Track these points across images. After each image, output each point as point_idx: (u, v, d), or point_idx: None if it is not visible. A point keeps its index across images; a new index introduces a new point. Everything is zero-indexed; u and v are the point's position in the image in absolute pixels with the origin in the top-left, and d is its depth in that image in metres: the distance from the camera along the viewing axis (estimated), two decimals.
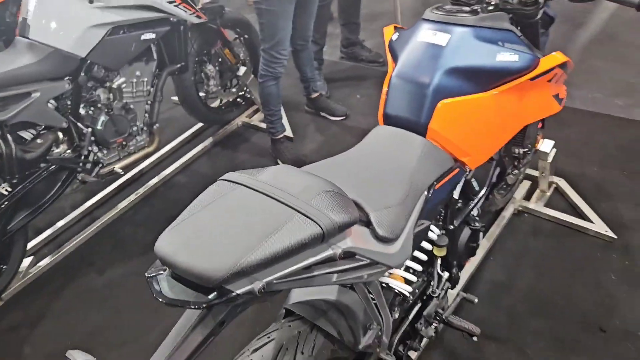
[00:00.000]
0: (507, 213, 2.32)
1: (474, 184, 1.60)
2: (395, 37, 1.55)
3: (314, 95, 3.15)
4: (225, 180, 1.06)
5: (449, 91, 1.35)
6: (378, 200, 1.15)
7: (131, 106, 2.45)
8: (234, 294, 0.86)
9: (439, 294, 1.53)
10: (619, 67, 3.33)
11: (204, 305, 0.86)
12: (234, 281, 0.86)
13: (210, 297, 0.86)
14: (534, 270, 2.11)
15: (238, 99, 3.19)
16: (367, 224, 1.10)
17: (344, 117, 3.16)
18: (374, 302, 1.26)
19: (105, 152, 2.42)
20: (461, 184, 1.52)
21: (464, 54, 1.36)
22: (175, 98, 3.22)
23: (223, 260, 0.85)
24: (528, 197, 2.43)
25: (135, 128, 2.50)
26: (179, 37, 2.53)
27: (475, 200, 1.63)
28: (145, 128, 2.57)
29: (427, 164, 1.33)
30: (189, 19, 2.50)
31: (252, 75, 3.07)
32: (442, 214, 1.53)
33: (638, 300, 1.95)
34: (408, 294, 1.41)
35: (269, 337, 1.19)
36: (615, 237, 2.18)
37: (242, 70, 2.98)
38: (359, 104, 3.29)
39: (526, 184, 2.48)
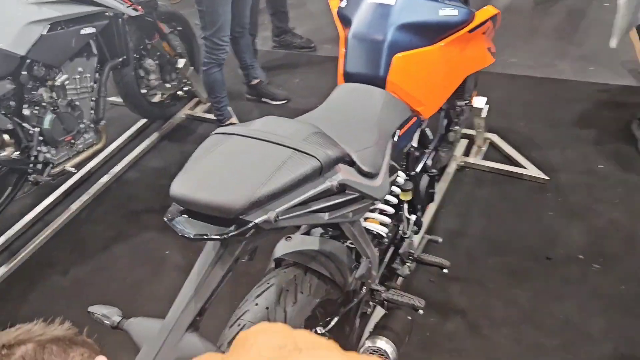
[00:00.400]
0: (451, 169, 2.52)
1: (428, 133, 1.75)
2: (343, 4, 1.66)
3: (254, 82, 3.22)
4: (218, 133, 1.13)
5: (402, 45, 1.49)
6: (355, 143, 1.26)
7: (77, 103, 2.41)
8: (252, 223, 0.94)
9: (409, 235, 1.68)
10: (529, 35, 3.65)
11: (226, 236, 0.93)
12: (250, 212, 0.95)
13: (231, 228, 0.94)
14: (483, 215, 2.31)
15: (179, 92, 3.19)
16: (351, 163, 1.21)
17: (285, 101, 3.25)
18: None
19: (54, 151, 2.37)
20: (418, 133, 1.67)
21: (411, 11, 1.51)
22: (113, 99, 3.18)
23: (240, 193, 0.93)
24: (467, 153, 2.64)
25: (82, 125, 2.47)
26: (117, 31, 2.52)
27: (430, 149, 1.78)
28: (92, 125, 2.54)
29: (390, 113, 1.46)
30: (127, 12, 2.50)
31: (192, 67, 3.09)
32: (405, 162, 1.67)
33: (574, 229, 2.19)
34: (384, 235, 1.54)
35: (268, 283, 1.27)
36: (548, 178, 2.43)
37: (182, 62, 2.99)
38: (298, 88, 3.40)
39: (464, 142, 2.69)
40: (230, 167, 1.00)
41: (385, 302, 1.48)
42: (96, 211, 2.65)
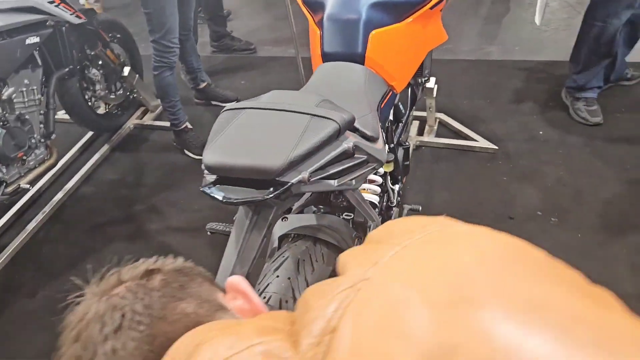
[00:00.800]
0: (409, 148, 2.64)
1: (401, 107, 1.85)
2: None
3: (202, 85, 3.20)
4: (228, 110, 1.16)
5: (376, 23, 1.57)
6: (353, 111, 1.32)
7: (26, 117, 2.30)
8: (289, 183, 0.98)
9: (396, 204, 1.76)
10: (457, 24, 3.89)
11: (268, 197, 0.96)
12: (285, 174, 0.98)
13: (271, 189, 0.97)
14: (444, 187, 2.45)
15: (125, 102, 3.11)
16: (354, 130, 1.27)
17: (235, 102, 3.25)
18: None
19: (5, 169, 2.25)
20: (393, 107, 1.77)
21: None
22: None
23: (276, 155, 0.97)
24: (420, 133, 2.79)
25: (33, 140, 2.36)
26: (61, 40, 2.44)
27: (403, 122, 1.88)
28: (42, 140, 2.43)
29: (372, 87, 1.54)
30: (70, 20, 2.42)
31: (137, 75, 3.02)
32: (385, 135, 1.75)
33: (528, 190, 2.38)
34: (377, 203, 1.61)
35: (283, 257, 1.30)
36: (497, 147, 2.62)
37: (127, 70, 2.93)
38: (245, 89, 3.42)
39: (415, 123, 2.84)
40: (255, 135, 1.03)
41: None
42: (54, 230, 2.53)
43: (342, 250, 1.42)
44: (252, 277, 1.29)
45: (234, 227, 1.06)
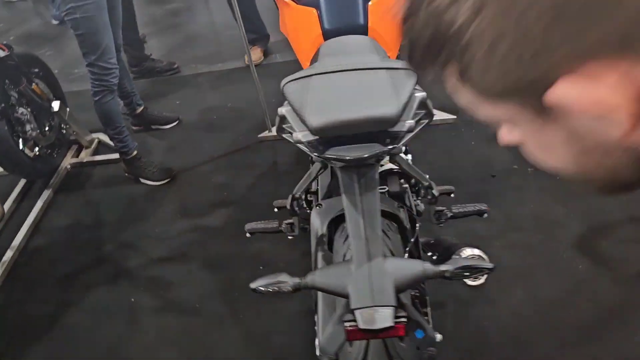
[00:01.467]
0: None
1: None
2: None
3: (139, 109, 2.98)
4: (291, 81, 1.07)
5: None
6: None
7: None
8: (403, 130, 0.92)
9: None
10: None
11: (394, 146, 0.90)
12: (396, 122, 0.93)
13: (387, 140, 0.91)
14: (422, 162, 2.47)
15: (56, 141, 2.80)
16: None
17: (177, 122, 3.08)
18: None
19: None
20: None
21: None
22: None
23: (387, 105, 0.91)
24: None
25: None
26: None
27: None
28: None
29: (380, 57, 1.52)
30: None
31: (68, 109, 2.74)
32: None
33: (498, 149, 2.49)
34: None
35: None
36: (455, 117, 2.72)
37: (57, 104, 2.63)
38: (183, 108, 3.24)
39: None
40: (347, 94, 0.97)
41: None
42: (15, 291, 2.21)
43: (399, 218, 1.38)
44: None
45: (344, 198, 0.98)
